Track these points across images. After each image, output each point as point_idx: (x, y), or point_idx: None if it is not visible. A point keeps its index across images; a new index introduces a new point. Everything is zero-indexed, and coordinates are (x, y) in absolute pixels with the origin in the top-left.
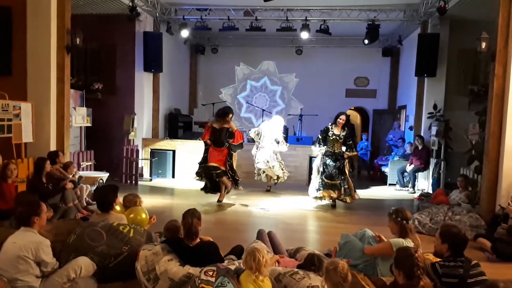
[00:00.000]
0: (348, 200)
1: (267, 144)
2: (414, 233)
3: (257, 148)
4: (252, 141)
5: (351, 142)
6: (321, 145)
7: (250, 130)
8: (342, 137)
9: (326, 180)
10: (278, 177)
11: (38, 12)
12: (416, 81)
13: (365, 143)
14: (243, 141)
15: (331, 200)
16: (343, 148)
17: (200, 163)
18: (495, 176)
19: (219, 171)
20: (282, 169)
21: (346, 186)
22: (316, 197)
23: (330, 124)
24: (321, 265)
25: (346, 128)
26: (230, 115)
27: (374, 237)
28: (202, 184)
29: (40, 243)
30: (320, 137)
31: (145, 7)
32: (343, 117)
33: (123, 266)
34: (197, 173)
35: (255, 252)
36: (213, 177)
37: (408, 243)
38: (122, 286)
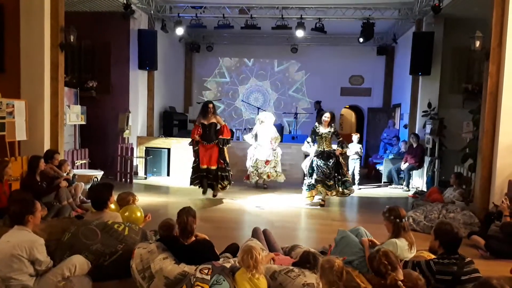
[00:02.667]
0: (350, 191)
1: (265, 143)
2: (408, 231)
3: (254, 148)
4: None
5: (342, 139)
6: (311, 144)
7: (245, 135)
8: (329, 133)
9: (320, 178)
10: (269, 176)
11: (31, 9)
12: (410, 80)
13: (358, 147)
14: (231, 136)
15: (321, 199)
16: (334, 146)
17: (193, 168)
18: (488, 174)
19: (211, 175)
20: (275, 166)
21: (346, 179)
22: (308, 197)
23: (316, 124)
24: (316, 263)
25: (332, 125)
26: (211, 105)
27: (362, 241)
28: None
29: (34, 241)
30: (310, 138)
31: (140, 4)
32: (327, 115)
33: (118, 265)
34: (192, 181)
35: (251, 250)
36: (207, 179)
37: (401, 242)
38: (117, 285)
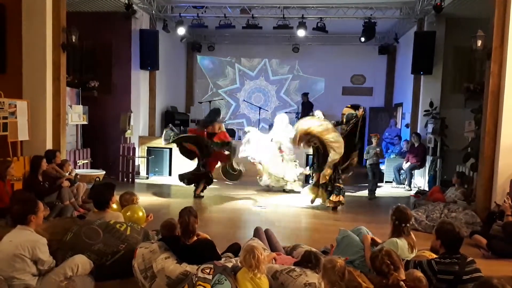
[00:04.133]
0: (328, 203)
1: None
2: (410, 235)
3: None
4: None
5: None
6: None
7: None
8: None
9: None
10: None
11: (33, 9)
12: (412, 79)
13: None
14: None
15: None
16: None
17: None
18: (490, 174)
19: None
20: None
21: (333, 186)
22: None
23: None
24: (317, 263)
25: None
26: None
27: (363, 237)
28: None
29: (36, 241)
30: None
31: (141, 4)
32: (319, 114)
33: (120, 264)
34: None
35: (253, 249)
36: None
37: (402, 242)
38: (119, 284)
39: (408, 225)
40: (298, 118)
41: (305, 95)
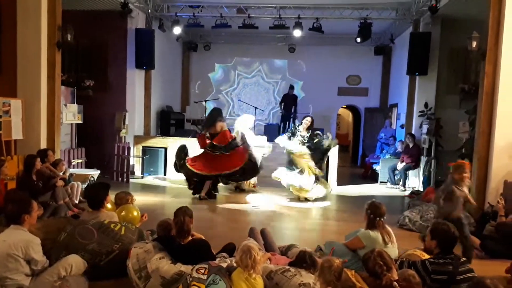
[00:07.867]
0: None
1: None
2: (384, 228)
3: None
4: None
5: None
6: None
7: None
8: (306, 138)
9: None
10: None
11: (28, 8)
12: (407, 80)
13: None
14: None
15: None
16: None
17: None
18: (484, 174)
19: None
20: None
21: None
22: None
23: (297, 125)
24: (312, 263)
25: (309, 130)
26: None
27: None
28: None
29: (30, 241)
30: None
31: (137, 3)
32: (308, 118)
33: (114, 264)
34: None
35: (250, 250)
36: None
37: (374, 233)
38: (114, 284)
39: (382, 219)
40: (293, 118)
41: (291, 88)
